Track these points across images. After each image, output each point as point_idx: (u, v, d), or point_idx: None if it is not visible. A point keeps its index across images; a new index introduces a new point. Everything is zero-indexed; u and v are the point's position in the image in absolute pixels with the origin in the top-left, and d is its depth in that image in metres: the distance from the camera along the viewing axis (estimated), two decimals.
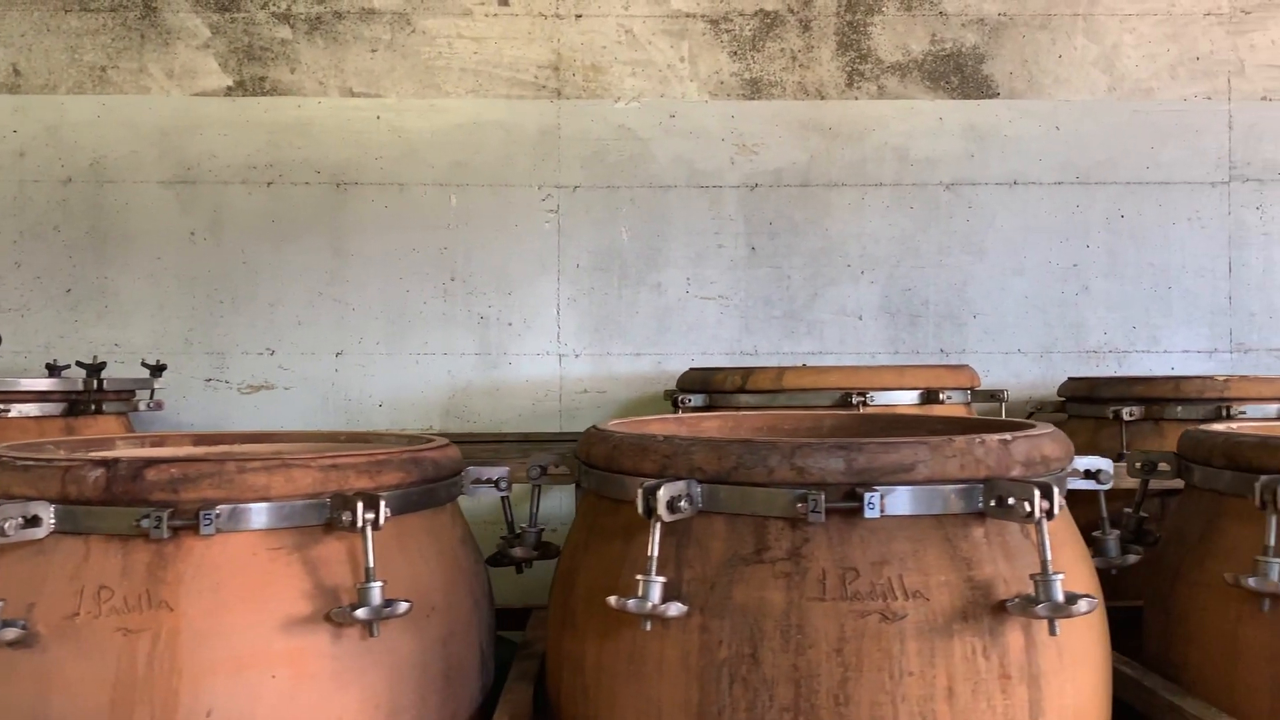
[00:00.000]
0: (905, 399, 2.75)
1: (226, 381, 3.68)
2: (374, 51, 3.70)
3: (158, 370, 3.35)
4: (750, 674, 1.26)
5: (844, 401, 2.67)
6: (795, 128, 3.74)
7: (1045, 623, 1.27)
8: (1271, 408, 2.75)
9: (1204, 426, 1.68)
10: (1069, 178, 3.73)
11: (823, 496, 1.25)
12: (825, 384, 2.73)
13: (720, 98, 3.73)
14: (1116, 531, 1.61)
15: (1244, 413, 2.70)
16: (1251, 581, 1.39)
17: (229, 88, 3.69)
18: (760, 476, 1.29)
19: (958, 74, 3.73)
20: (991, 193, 3.73)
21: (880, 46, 3.74)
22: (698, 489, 1.32)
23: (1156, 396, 2.83)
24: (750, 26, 3.73)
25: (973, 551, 1.29)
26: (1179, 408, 2.79)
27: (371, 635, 1.35)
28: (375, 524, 1.35)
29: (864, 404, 2.65)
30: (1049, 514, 1.24)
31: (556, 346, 3.72)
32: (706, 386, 2.90)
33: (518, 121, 3.71)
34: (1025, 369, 3.71)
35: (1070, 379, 3.21)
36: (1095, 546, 1.62)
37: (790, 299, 3.74)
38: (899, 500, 1.27)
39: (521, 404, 3.70)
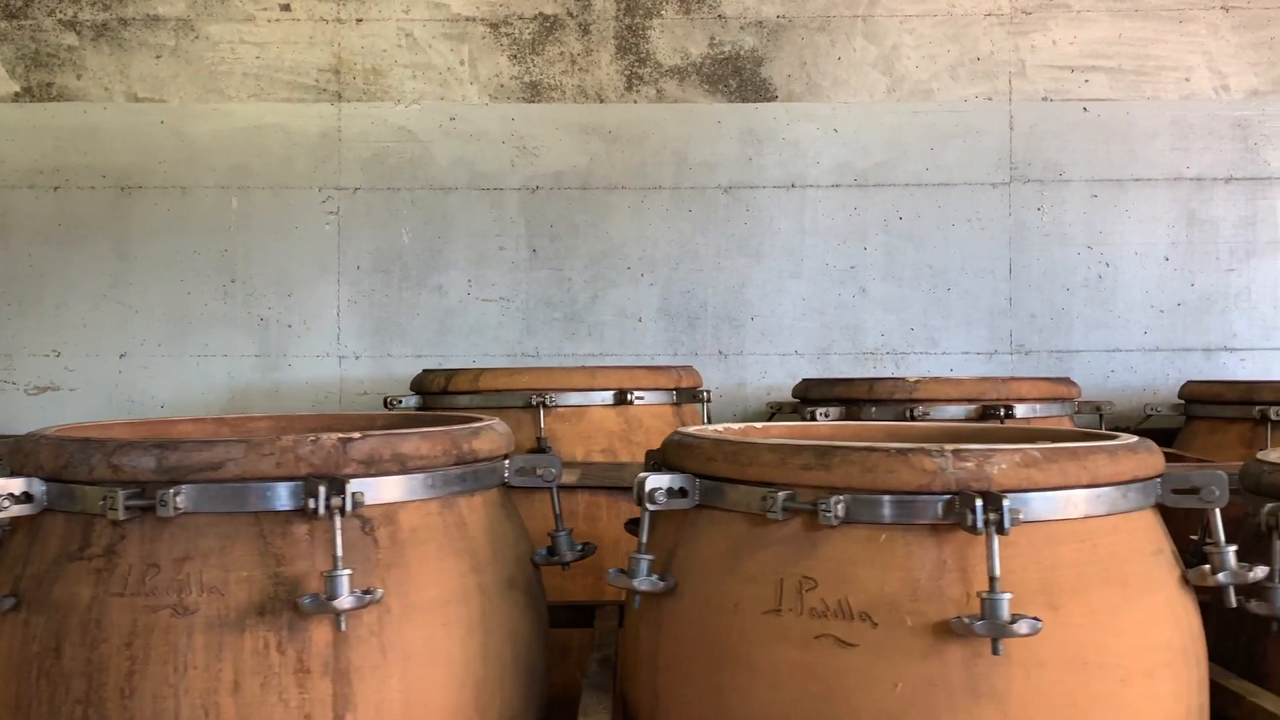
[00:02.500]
0: (598, 399, 2.77)
1: (13, 383, 3.74)
2: (159, 57, 3.75)
3: None
4: (53, 668, 1.29)
5: (527, 403, 2.70)
6: (575, 131, 3.76)
7: (359, 617, 1.29)
8: (959, 409, 2.75)
9: (690, 429, 1.68)
10: (847, 180, 3.73)
11: (122, 494, 1.28)
12: (517, 385, 2.75)
13: (500, 100, 3.76)
14: (568, 529, 1.62)
15: (928, 414, 2.71)
16: (611, 574, 1.40)
17: (16, 94, 3.74)
18: (84, 474, 1.32)
19: (736, 77, 3.74)
20: (769, 196, 3.74)
21: (659, 50, 3.75)
22: (40, 487, 1.35)
23: (853, 398, 2.84)
24: (530, 30, 3.75)
25: (289, 549, 1.31)
26: (873, 409, 2.80)
27: None
28: None
29: (544, 405, 2.67)
30: (341, 510, 1.26)
31: (337, 348, 3.75)
32: (420, 388, 2.94)
33: (298, 124, 3.75)
34: (802, 370, 3.71)
35: (803, 380, 3.21)
36: (554, 543, 1.63)
37: (571, 301, 3.76)
38: (201, 498, 1.30)
39: (302, 406, 3.73)
